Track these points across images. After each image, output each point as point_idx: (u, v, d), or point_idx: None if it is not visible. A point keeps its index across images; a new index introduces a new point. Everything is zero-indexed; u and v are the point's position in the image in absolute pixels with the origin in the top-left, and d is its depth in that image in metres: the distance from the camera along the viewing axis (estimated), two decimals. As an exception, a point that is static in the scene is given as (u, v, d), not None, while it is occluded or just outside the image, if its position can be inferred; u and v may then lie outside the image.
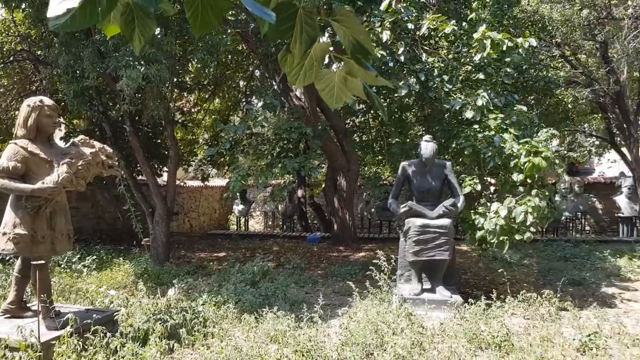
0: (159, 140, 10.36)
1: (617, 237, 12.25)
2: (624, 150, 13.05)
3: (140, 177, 10.03)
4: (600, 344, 4.58)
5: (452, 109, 6.20)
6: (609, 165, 17.95)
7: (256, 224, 16.80)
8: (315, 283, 7.41)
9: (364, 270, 6.77)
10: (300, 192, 13.55)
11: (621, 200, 13.80)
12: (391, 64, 6.90)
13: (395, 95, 6.46)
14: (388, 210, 6.65)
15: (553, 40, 12.26)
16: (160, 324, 4.45)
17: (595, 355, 4.44)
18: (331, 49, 1.38)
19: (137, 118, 8.90)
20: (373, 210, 12.70)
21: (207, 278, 7.38)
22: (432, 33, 6.68)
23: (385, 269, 5.75)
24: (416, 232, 5.76)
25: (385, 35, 6.10)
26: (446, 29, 6.16)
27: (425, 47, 7.26)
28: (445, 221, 5.80)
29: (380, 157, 9.30)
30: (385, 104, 7.86)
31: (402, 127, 7.74)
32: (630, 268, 8.19)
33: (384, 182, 11.27)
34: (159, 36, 7.51)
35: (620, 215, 13.67)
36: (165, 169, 10.45)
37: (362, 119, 9.50)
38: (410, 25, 6.67)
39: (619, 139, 13.62)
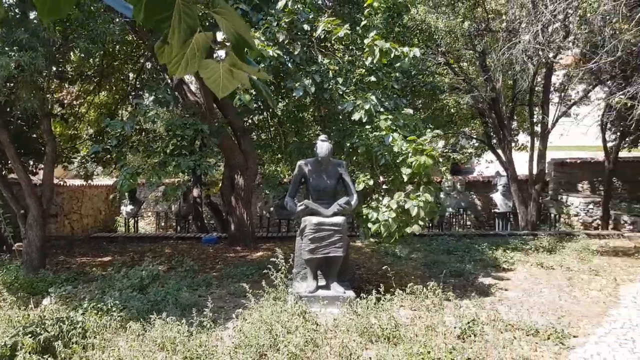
0: (34, 135, 9.43)
1: (494, 231, 13.39)
2: (499, 151, 14.32)
3: (11, 176, 9.06)
4: (477, 331, 4.96)
5: (344, 110, 6.36)
6: (486, 165, 19.60)
7: (147, 226, 15.97)
8: (210, 285, 7.21)
9: (261, 270, 6.71)
10: (196, 192, 13.11)
11: (497, 197, 15.14)
12: (289, 65, 6.91)
13: (293, 95, 6.49)
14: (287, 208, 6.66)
15: (439, 49, 13.10)
16: (30, 337, 4.03)
17: (473, 341, 4.80)
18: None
19: (7, 110, 8.02)
20: (272, 209, 12.68)
21: (89, 285, 6.86)
22: (328, 35, 6.80)
23: (283, 268, 5.75)
24: (312, 230, 5.82)
25: (282, 35, 6.09)
26: (340, 33, 6.30)
27: (322, 49, 7.37)
28: (340, 219, 5.93)
29: (279, 156, 9.28)
30: (283, 103, 7.88)
31: (299, 127, 7.80)
32: (504, 259, 8.98)
33: (283, 180, 11.30)
34: (35, 21, 6.84)
35: (496, 211, 14.99)
36: (41, 166, 9.55)
37: (261, 117, 9.41)
38: (306, 27, 6.72)
39: (495, 141, 14.91)
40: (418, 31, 12.13)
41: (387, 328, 4.82)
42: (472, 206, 16.62)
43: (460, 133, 16.74)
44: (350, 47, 7.52)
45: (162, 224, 15.35)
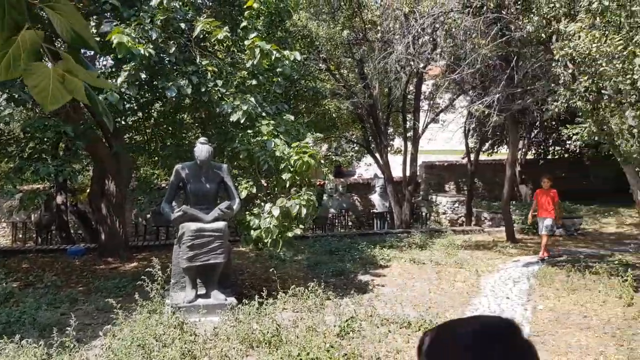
0: None
1: (372, 230, 14.05)
2: (377, 155, 15.09)
3: None
4: (355, 327, 5.15)
5: (223, 112, 6.24)
6: (366, 168, 20.56)
7: (1, 238, 14.24)
8: (75, 302, 6.57)
9: (135, 281, 6.31)
10: (60, 199, 11.92)
11: (375, 198, 15.93)
12: (166, 64, 6.60)
13: (169, 96, 6.21)
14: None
15: (320, 55, 13.47)
16: None
17: (351, 337, 4.97)
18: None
19: None
20: (149, 215, 12.01)
21: None
22: (207, 36, 6.62)
23: (159, 278, 5.46)
24: (190, 237, 5.62)
25: (155, 33, 5.81)
26: (219, 35, 6.17)
27: (201, 50, 7.17)
28: (221, 224, 5.80)
29: (156, 159, 8.82)
30: (159, 103, 7.52)
31: (177, 129, 7.50)
32: (381, 257, 9.44)
33: (161, 185, 10.76)
34: None
35: (375, 211, 15.77)
36: None
37: (135, 117, 8.86)
38: (183, 26, 6.49)
39: (373, 145, 15.67)
40: (300, 37, 12.35)
41: (268, 332, 4.81)
42: (353, 207, 17.30)
43: (342, 137, 17.34)
44: (232, 49, 7.41)
45: (20, 235, 13.75)
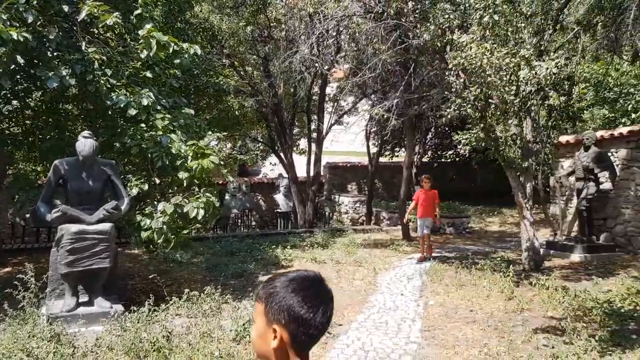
0: None
1: (276, 230, 13.97)
2: (282, 154, 15.02)
3: None
4: (252, 332, 4.99)
5: (115, 106, 5.78)
6: (271, 167, 20.43)
7: None
8: None
9: (5, 289, 5.64)
10: None
11: (279, 198, 15.88)
12: (46, 50, 5.96)
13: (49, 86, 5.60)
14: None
15: (223, 50, 13.11)
16: None
17: (248, 342, 4.82)
18: None
19: None
20: (27, 215, 10.87)
21: None
22: (95, 21, 6.09)
23: (32, 286, 4.92)
24: (70, 240, 5.12)
25: (31, 16, 5.21)
26: (108, 21, 5.70)
27: (89, 37, 6.59)
28: (106, 226, 5.36)
29: (36, 154, 7.98)
30: (38, 93, 6.81)
31: (58, 121, 6.82)
32: (283, 257, 9.38)
33: (44, 182, 9.79)
34: None
35: (279, 210, 15.70)
36: None
37: (12, 107, 7.97)
38: (66, 8, 5.91)
39: (278, 145, 15.59)
40: (201, 29, 11.91)
41: (157, 341, 4.51)
42: (257, 207, 17.10)
43: (247, 135, 17.06)
44: (124, 37, 6.90)
45: None
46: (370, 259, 9.29)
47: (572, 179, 9.56)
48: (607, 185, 9.25)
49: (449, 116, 7.81)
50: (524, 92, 6.83)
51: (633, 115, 11.36)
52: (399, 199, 12.46)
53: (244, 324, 5.09)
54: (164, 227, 5.43)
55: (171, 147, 5.89)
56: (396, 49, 9.84)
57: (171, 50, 6.14)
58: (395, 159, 19.43)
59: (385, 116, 10.70)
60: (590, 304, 5.68)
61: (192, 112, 6.98)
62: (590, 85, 12.56)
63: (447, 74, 8.31)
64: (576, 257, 8.63)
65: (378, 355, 4.66)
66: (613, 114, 11.95)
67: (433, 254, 9.37)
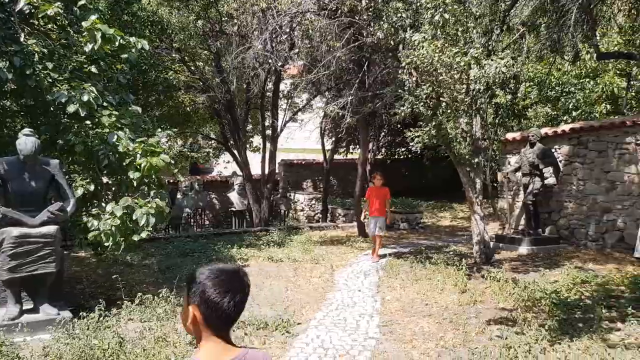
0: None
1: (231, 229, 13.76)
2: (236, 152, 14.80)
3: None
4: (209, 334, 4.87)
5: (56, 101, 5.48)
6: (225, 165, 20.10)
7: None
8: None
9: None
10: None
11: (233, 196, 15.64)
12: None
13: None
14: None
15: (173, 45, 12.74)
16: None
17: (203, 345, 4.70)
18: None
19: None
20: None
21: None
22: (35, 11, 5.75)
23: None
24: (12, 245, 4.82)
25: (-37, 3, 4.87)
26: (49, 10, 5.40)
27: (28, 28, 6.23)
28: (51, 229, 5.08)
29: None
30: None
31: (-4, 117, 6.43)
32: (239, 256, 9.26)
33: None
34: None
35: (233, 209, 15.47)
36: None
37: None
38: (3, -3, 5.56)
39: (231, 142, 15.35)
40: (149, 23, 11.53)
41: (109, 348, 4.32)
42: (211, 205, 16.79)
43: (198, 133, 16.69)
44: (67, 29, 6.56)
45: None
46: (327, 256, 9.30)
47: (518, 174, 9.93)
48: (551, 180, 9.67)
49: (402, 114, 7.91)
50: (474, 91, 7.01)
51: (574, 113, 11.93)
52: (354, 196, 12.55)
53: (199, 326, 4.96)
54: (113, 229, 5.21)
55: (118, 145, 5.66)
56: (350, 47, 9.89)
57: (117, 44, 5.91)
58: (350, 156, 19.59)
59: (340, 113, 10.74)
60: (538, 295, 5.91)
61: (139, 109, 6.74)
62: (534, 84, 13.09)
63: (399, 72, 8.43)
64: (524, 249, 8.98)
65: (337, 353, 4.66)
66: (555, 112, 12.50)
67: (388, 251, 9.47)
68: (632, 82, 11.97)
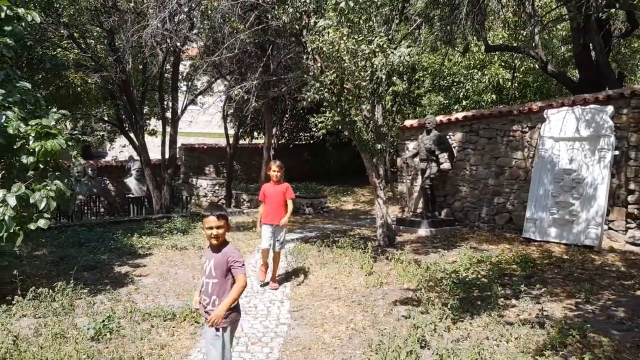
0: None
1: (129, 217, 13.10)
2: (132, 135, 14.02)
3: None
4: (113, 327, 4.68)
5: None
6: (120, 149, 19.00)
7: None
8: None
9: None
10: None
11: (131, 182, 14.90)
12: None
13: None
14: None
15: (61, 20, 11.71)
16: None
17: (109, 339, 4.50)
18: None
19: None
20: None
21: None
22: None
23: None
24: None
25: None
26: None
27: None
28: None
29: None
30: None
31: None
32: (140, 245, 8.86)
33: None
34: None
35: (131, 195, 14.74)
36: None
37: None
38: None
39: (127, 125, 14.51)
40: (35, -5, 10.47)
41: (2, 347, 3.99)
42: (106, 192, 15.83)
43: (91, 115, 15.56)
44: None
45: None
46: (234, 242, 9.19)
47: (416, 159, 10.57)
48: (446, 165, 10.40)
49: (308, 99, 8.03)
50: (377, 79, 7.30)
51: (464, 102, 12.91)
52: (259, 182, 12.53)
53: (103, 321, 4.73)
54: (7, 219, 4.75)
55: (7, 126, 5.15)
56: (254, 30, 9.78)
57: (3, 15, 5.33)
58: (254, 141, 19.47)
59: (245, 97, 10.62)
60: (440, 275, 6.35)
61: (29, 86, 6.17)
62: (428, 74, 13.93)
63: (304, 57, 8.51)
64: (422, 231, 9.59)
65: (250, 341, 4.68)
66: (447, 101, 13.43)
67: (295, 236, 9.53)
68: (515, 74, 13.18)
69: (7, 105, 5.37)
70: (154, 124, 17.38)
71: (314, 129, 19.15)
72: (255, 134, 19.43)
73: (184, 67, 15.53)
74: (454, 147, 10.40)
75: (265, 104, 11.57)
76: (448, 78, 13.54)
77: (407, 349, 4.07)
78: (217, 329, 3.16)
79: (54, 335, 4.46)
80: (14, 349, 4.06)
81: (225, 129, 15.44)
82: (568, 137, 8.48)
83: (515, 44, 11.60)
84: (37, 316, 5.07)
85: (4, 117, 5.20)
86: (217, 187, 16.38)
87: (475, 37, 11.20)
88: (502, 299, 5.50)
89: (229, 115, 16.19)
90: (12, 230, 4.92)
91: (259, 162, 15.02)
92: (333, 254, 7.79)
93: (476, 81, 12.94)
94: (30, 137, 5.24)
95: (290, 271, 7.16)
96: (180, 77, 14.87)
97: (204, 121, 16.46)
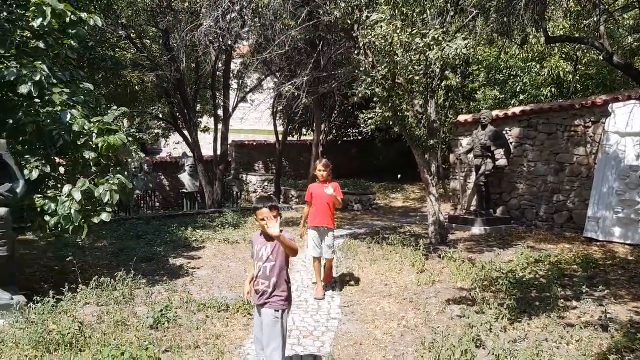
0: None
1: (182, 211, 13.50)
2: (186, 133, 14.44)
3: None
4: (171, 317, 4.82)
5: (4, 79, 5.15)
6: (174, 146, 19.60)
7: None
8: None
9: None
10: None
11: (185, 177, 15.33)
12: None
13: None
14: None
15: (119, 21, 12.19)
16: None
17: (167, 328, 4.64)
18: None
19: None
20: None
21: None
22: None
23: None
24: (-42, 229, 4.53)
25: None
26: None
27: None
28: (1, 211, 4.81)
29: None
30: None
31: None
32: (194, 238, 9.11)
33: None
34: None
35: (184, 191, 15.18)
36: None
37: None
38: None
39: (181, 123, 14.95)
40: (96, -3, 10.94)
41: (68, 333, 4.19)
42: (161, 187, 16.38)
43: (147, 113, 16.14)
44: (10, 3, 6.14)
45: None
46: (287, 237, 9.28)
47: (470, 156, 10.28)
48: (502, 162, 10.06)
49: (359, 95, 7.97)
50: (432, 73, 7.15)
51: (521, 97, 12.43)
52: (308, 178, 12.59)
53: (161, 310, 4.88)
54: (73, 212, 4.99)
55: (73, 124, 5.40)
56: (305, 26, 9.80)
57: (68, 20, 5.59)
58: (302, 138, 19.59)
59: (296, 94, 10.68)
60: (495, 275, 6.16)
61: (91, 86, 6.46)
62: (483, 67, 13.52)
63: (355, 52, 8.45)
64: (476, 230, 9.34)
65: (302, 334, 4.71)
66: (503, 95, 12.98)
67: (344, 232, 9.49)
68: (578, 67, 12.56)
69: (71, 104, 5.63)
70: (206, 121, 17.79)
71: (362, 126, 19.11)
72: (304, 130, 19.52)
73: (234, 65, 15.81)
74: (511, 143, 10.05)
75: (314, 101, 11.60)
76: (504, 71, 13.08)
77: (462, 348, 3.97)
78: (277, 310, 3.30)
79: (116, 323, 4.64)
80: (80, 335, 4.25)
81: (275, 125, 15.60)
82: (635, 132, 8.02)
83: (577, 35, 11.05)
84: (99, 304, 5.30)
85: (69, 115, 5.46)
86: (266, 183, 16.60)
87: (534, 29, 10.74)
88: (562, 301, 5.29)
89: (279, 112, 16.34)
90: (77, 224, 5.15)
91: (307, 158, 15.05)
92: (383, 250, 7.72)
93: (534, 74, 12.43)
94: (94, 134, 5.47)
95: (340, 267, 7.14)
96: (231, 75, 15.15)
97: (253, 118, 16.67)
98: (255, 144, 19.06)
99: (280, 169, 15.84)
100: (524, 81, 12.52)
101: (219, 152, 14.36)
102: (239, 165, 18.18)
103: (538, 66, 12.47)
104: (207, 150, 15.12)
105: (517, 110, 10.10)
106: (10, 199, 4.97)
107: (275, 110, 15.47)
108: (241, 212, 12.10)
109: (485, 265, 6.51)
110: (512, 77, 12.91)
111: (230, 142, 16.05)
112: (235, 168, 18.01)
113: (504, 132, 10.07)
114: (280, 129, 16.11)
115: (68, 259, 6.08)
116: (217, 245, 8.73)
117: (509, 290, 5.61)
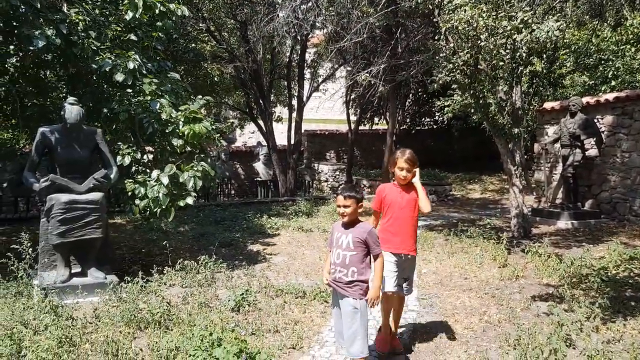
0: None
1: (257, 199, 13.85)
2: (261, 122, 14.75)
3: None
4: (251, 301, 4.94)
5: (101, 70, 5.48)
6: (249, 135, 20.13)
7: None
8: None
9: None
10: None
11: (259, 166, 15.70)
12: (26, 10, 5.57)
13: (30, 47, 5.22)
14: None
15: (200, 14, 12.61)
16: None
17: (247, 312, 4.76)
18: None
19: None
20: (5, 185, 10.42)
21: None
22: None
23: (27, 257, 4.74)
24: (61, 210, 4.91)
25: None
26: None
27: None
28: (96, 195, 5.15)
29: (14, 121, 7.57)
30: (16, 58, 6.40)
31: (40, 87, 6.46)
32: (269, 226, 9.31)
33: (25, 150, 9.34)
34: None
35: (259, 179, 15.55)
36: None
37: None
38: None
39: (256, 112, 15.29)
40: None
41: (157, 311, 4.41)
42: (236, 175, 16.89)
43: (223, 103, 16.67)
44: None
45: None
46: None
47: (557, 145, 9.67)
48: (593, 152, 9.36)
49: (439, 82, 7.72)
50: (518, 57, 6.77)
51: (613, 82, 11.51)
52: (382, 168, 12.45)
53: (242, 294, 5.01)
54: (161, 196, 5.25)
55: (161, 112, 5.66)
56: (384, 12, 9.63)
57: (157, 11, 5.84)
58: (374, 127, 19.39)
59: (371, 82, 10.55)
60: (585, 271, 5.76)
61: (178, 76, 6.73)
62: (571, 51, 12.64)
63: (435, 38, 8.18)
64: (562, 224, 8.81)
65: (378, 324, 4.65)
66: (593, 81, 12.09)
67: (419, 223, 9.25)
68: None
69: (160, 93, 5.90)
70: (279, 111, 18.08)
71: (437, 114, 18.62)
72: (376, 119, 19.32)
73: (308, 54, 15.90)
74: (602, 132, 9.31)
75: (390, 89, 11.40)
76: (595, 56, 12.17)
77: (551, 347, 3.74)
78: (356, 299, 3.29)
79: (200, 304, 4.82)
80: (168, 314, 4.46)
81: (348, 115, 15.55)
82: None
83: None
84: (184, 286, 5.53)
85: (158, 104, 5.72)
86: (337, 173, 16.62)
87: (629, 9, 9.89)
88: (661, 301, 4.86)
89: (351, 101, 16.27)
90: (164, 207, 5.41)
91: (379, 147, 14.86)
92: (462, 243, 7.47)
93: (629, 58, 11.45)
94: (180, 122, 5.71)
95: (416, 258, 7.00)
96: (305, 64, 15.25)
97: (325, 107, 16.76)
98: (327, 133, 19.13)
99: (352, 158, 15.79)
100: (617, 66, 11.57)
101: (292, 141, 14.55)
102: (311, 154, 18.35)
103: (633, 49, 11.47)
104: (280, 140, 15.38)
105: (611, 96, 9.33)
106: (105, 184, 5.31)
107: (348, 99, 15.41)
108: (313, 201, 12.20)
109: (574, 261, 6.11)
110: (602, 62, 11.97)
111: (302, 131, 16.23)
112: (307, 157, 18.19)
113: (595, 120, 9.36)
114: (352, 118, 16.03)
115: (154, 242, 6.39)
116: (291, 232, 8.86)
117: (600, 288, 5.24)
